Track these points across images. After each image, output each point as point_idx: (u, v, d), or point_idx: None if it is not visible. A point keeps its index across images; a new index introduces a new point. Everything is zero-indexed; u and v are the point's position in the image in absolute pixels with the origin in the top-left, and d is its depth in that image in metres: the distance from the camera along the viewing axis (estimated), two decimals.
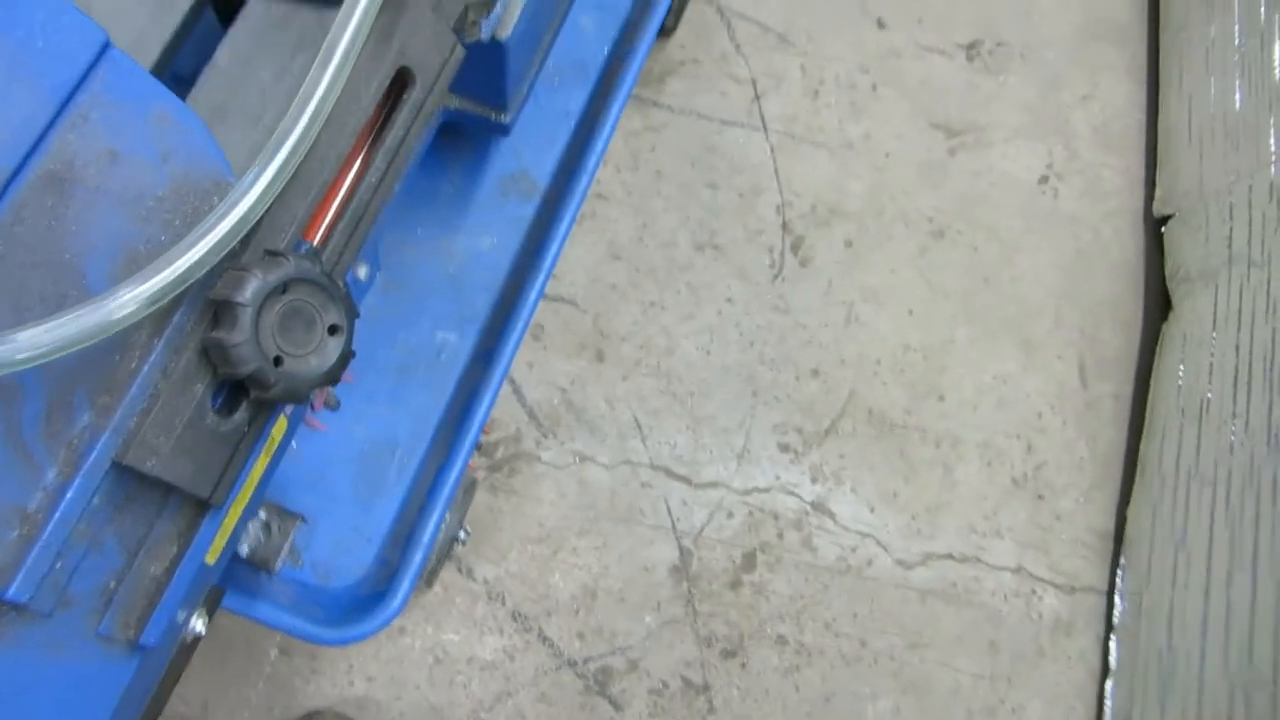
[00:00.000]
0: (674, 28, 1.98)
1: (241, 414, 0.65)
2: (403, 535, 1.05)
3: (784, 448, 1.90)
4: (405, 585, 1.01)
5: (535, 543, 1.74)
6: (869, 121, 2.12)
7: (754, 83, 2.08)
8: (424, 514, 1.05)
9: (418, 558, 1.03)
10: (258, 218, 0.59)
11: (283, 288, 0.62)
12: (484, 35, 0.92)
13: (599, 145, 1.23)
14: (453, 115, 1.05)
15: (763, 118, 2.07)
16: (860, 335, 1.99)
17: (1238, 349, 1.87)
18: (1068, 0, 2.30)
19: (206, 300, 0.62)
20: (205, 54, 0.95)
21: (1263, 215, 1.90)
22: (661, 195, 1.98)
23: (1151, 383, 2.05)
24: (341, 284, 0.68)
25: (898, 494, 1.92)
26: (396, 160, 0.74)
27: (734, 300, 1.96)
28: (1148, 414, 2.03)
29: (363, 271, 0.98)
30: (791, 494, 1.87)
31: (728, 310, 1.95)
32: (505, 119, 1.04)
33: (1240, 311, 1.90)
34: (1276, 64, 1.93)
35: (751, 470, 1.87)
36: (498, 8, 0.94)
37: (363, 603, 1.02)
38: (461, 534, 1.63)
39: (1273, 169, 1.89)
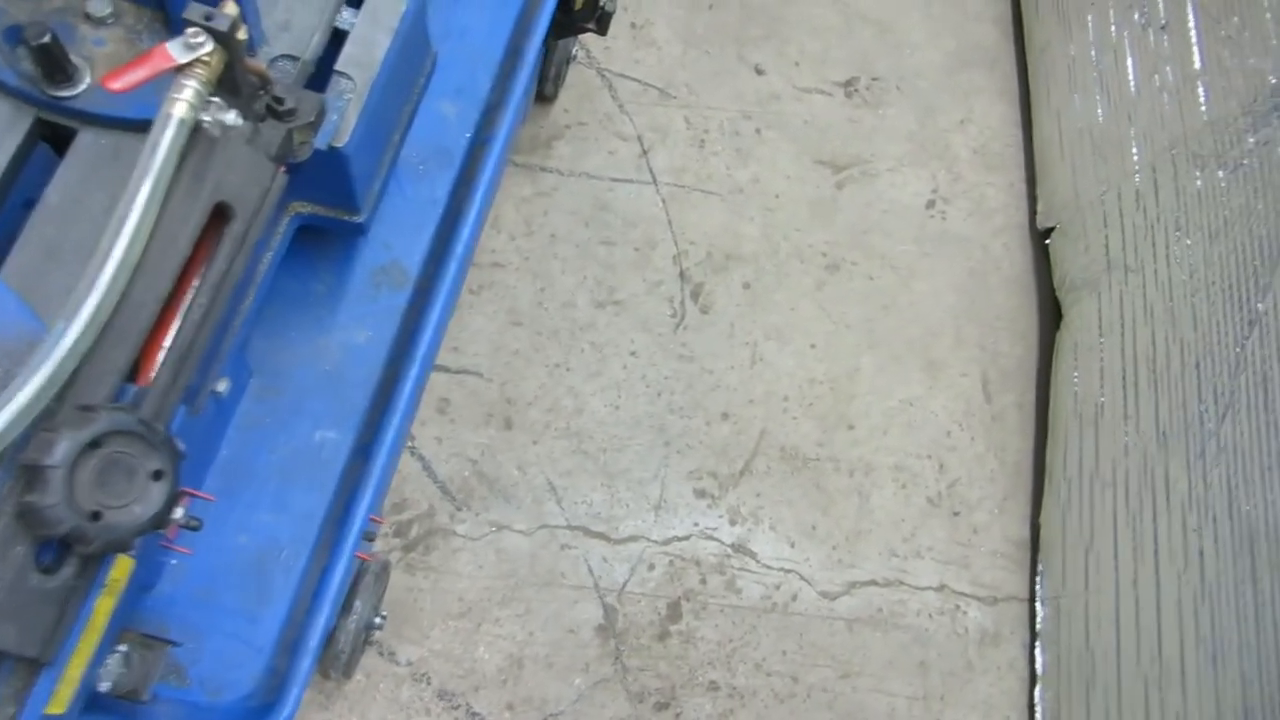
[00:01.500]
0: (555, 94, 2.02)
1: (69, 568, 0.65)
2: (291, 641, 1.05)
3: (700, 493, 1.92)
4: (294, 693, 1.00)
5: (457, 618, 1.74)
6: (756, 165, 2.18)
7: (640, 139, 2.13)
8: (310, 617, 1.05)
9: (306, 664, 1.03)
10: (66, 376, 0.60)
11: (97, 442, 0.63)
12: (320, 145, 0.94)
13: (467, 229, 1.25)
14: (307, 220, 1.06)
15: (652, 172, 2.11)
16: (766, 374, 2.03)
17: (1123, 353, 1.94)
18: (937, 30, 2.39)
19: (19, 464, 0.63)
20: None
21: (1133, 224, 1.98)
22: (558, 257, 2.01)
23: (1050, 391, 2.12)
24: (162, 428, 0.69)
25: (816, 526, 1.95)
26: (222, 293, 0.76)
27: (638, 353, 1.98)
28: (1050, 421, 2.10)
29: (222, 386, 0.99)
30: (711, 539, 1.89)
31: (633, 364, 1.97)
32: (360, 219, 1.05)
33: (1123, 317, 1.97)
34: (1130, 78, 2.03)
35: (670, 520, 1.89)
36: (332, 117, 0.96)
37: (253, 715, 1.01)
38: (377, 620, 1.62)
39: (1137, 178, 1.98)
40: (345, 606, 1.51)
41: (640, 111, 2.15)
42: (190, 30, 0.70)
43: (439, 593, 1.75)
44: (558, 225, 2.03)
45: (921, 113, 2.30)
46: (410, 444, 1.83)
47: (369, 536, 1.25)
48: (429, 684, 1.68)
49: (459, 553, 1.78)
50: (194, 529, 0.90)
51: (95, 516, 0.62)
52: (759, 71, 2.25)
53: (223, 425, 1.10)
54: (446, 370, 1.88)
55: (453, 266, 1.23)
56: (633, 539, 1.86)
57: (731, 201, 2.14)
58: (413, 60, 1.07)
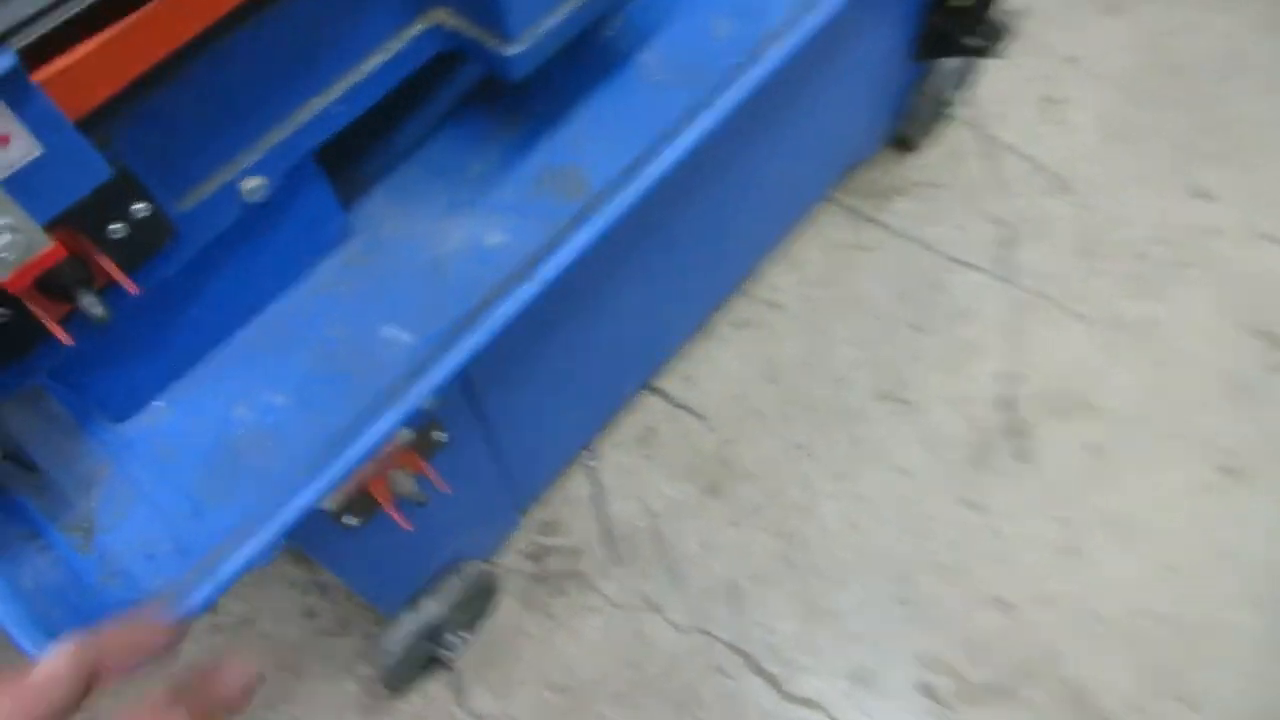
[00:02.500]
0: (916, 141, 1.65)
1: None
2: (211, 563, 0.76)
3: (925, 690, 1.36)
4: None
5: (555, 690, 1.35)
6: (1158, 304, 1.61)
7: (1007, 224, 1.67)
8: (241, 545, 0.75)
9: (201, 597, 0.73)
10: None
11: None
12: None
13: (673, 154, 0.93)
14: (450, 42, 0.81)
15: (1010, 266, 1.64)
16: (1084, 574, 1.43)
17: None
18: None
19: None
20: None
21: None
22: (849, 322, 1.60)
23: None
24: None
25: None
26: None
27: (910, 472, 1.50)
28: None
29: (252, 185, 0.75)
30: None
31: (897, 483, 1.49)
32: (509, 51, 0.77)
33: None
34: None
35: (868, 702, 1.35)
36: None
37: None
38: (452, 637, 1.30)
39: None
40: (411, 600, 1.22)
41: (1019, 194, 1.69)
42: None
43: (547, 649, 1.38)
44: (865, 287, 1.62)
45: None
46: (590, 461, 1.50)
47: (417, 499, 0.94)
48: None
49: (591, 613, 1.41)
50: (98, 320, 0.65)
51: None
52: (1203, 195, 1.69)
53: (270, 260, 0.85)
54: (665, 398, 1.55)
55: (638, 188, 0.91)
56: (808, 703, 1.35)
57: (1106, 336, 1.59)
58: None
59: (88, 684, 0.39)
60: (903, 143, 1.66)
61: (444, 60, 0.85)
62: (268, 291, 0.88)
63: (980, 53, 1.36)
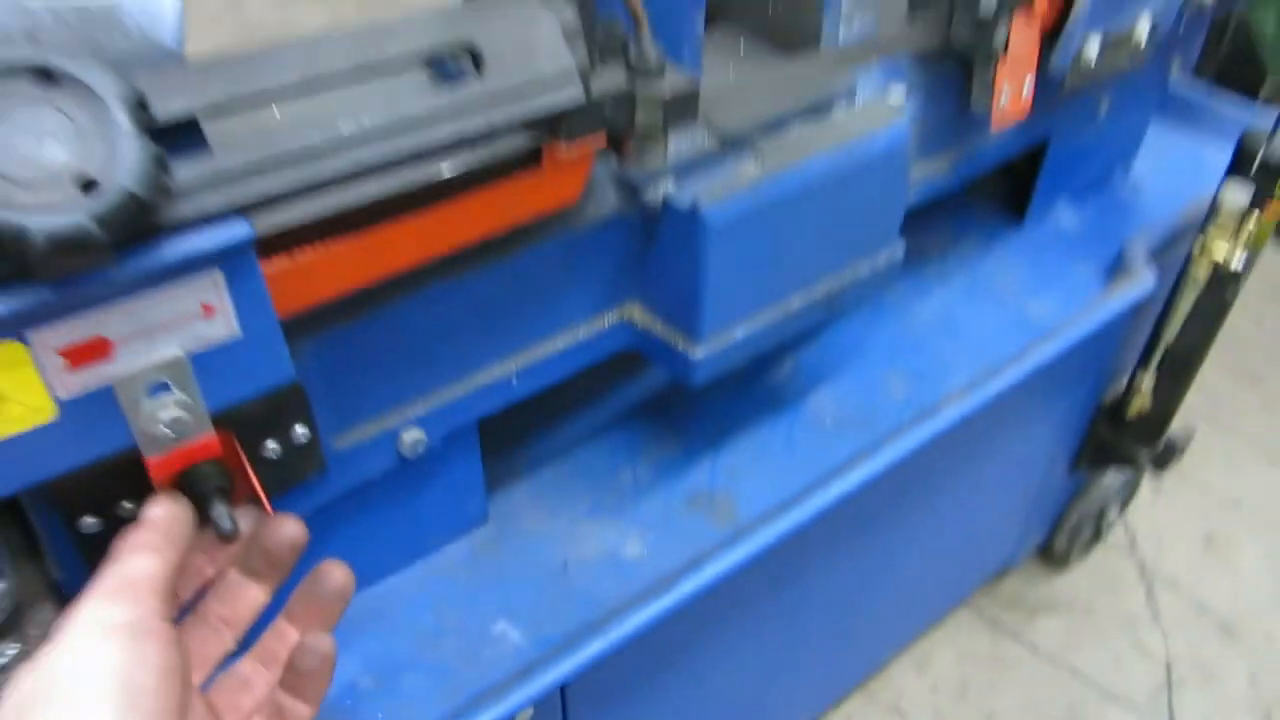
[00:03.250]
0: (1067, 556, 1.55)
1: None
2: None
3: None
4: None
5: None
6: None
7: (1169, 667, 1.49)
8: None
9: None
10: None
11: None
12: (681, 203, 0.71)
13: (831, 495, 0.88)
14: (636, 339, 0.81)
15: (1171, 713, 1.44)
16: None
17: None
18: None
19: None
20: None
21: None
22: None
23: None
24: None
25: None
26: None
27: None
28: None
29: (413, 439, 0.72)
30: None
31: None
32: (695, 354, 0.77)
33: None
34: None
35: None
36: (716, 184, 0.73)
37: None
38: None
39: None
40: None
41: (1180, 634, 1.53)
42: None
43: None
44: (1002, 710, 1.43)
45: None
46: None
47: None
48: None
49: None
50: (224, 536, 0.61)
51: None
52: None
53: (402, 527, 0.80)
54: None
55: (786, 524, 0.85)
56: None
57: None
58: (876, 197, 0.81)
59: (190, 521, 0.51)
60: (1052, 556, 1.56)
61: (621, 365, 0.84)
62: (388, 561, 0.82)
63: (1153, 467, 1.30)
